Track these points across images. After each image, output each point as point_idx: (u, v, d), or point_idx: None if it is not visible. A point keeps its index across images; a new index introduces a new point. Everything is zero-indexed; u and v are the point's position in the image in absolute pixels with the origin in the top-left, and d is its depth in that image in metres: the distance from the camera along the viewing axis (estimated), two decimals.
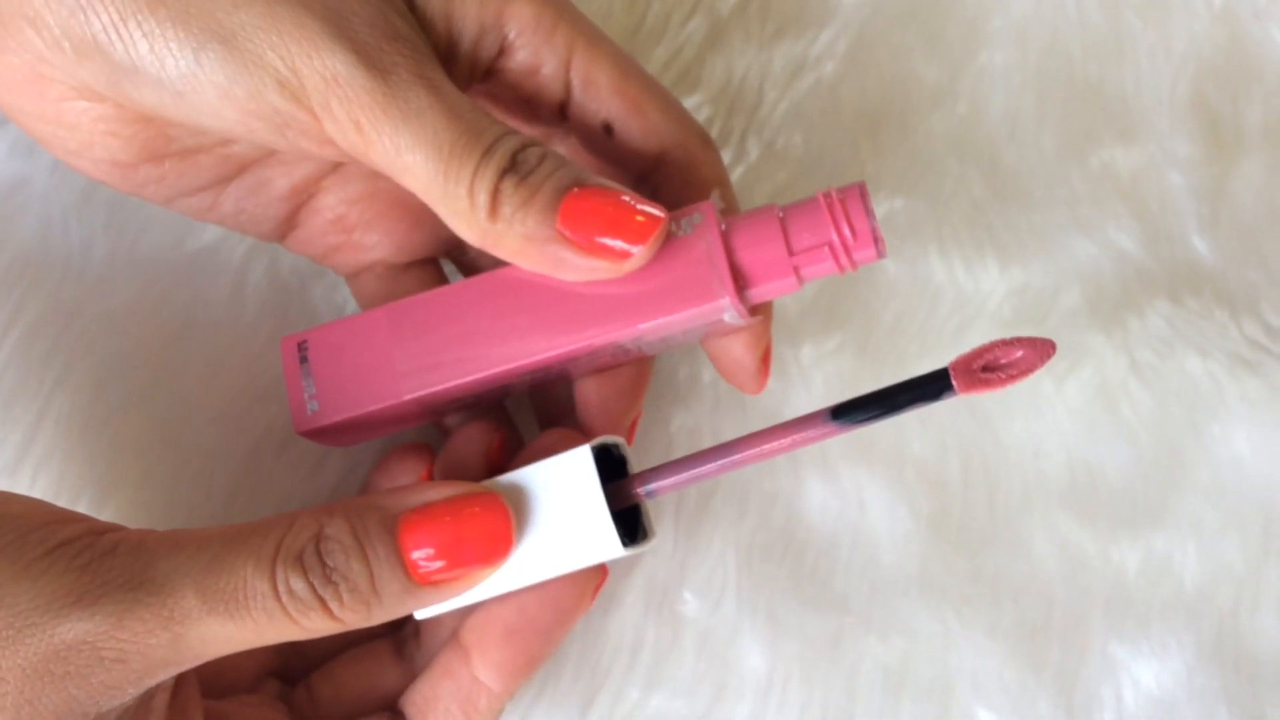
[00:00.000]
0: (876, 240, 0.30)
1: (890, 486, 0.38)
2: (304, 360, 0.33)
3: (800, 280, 0.30)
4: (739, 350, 0.32)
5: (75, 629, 0.25)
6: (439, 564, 0.27)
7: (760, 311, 0.31)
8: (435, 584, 0.28)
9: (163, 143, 0.31)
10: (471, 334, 0.31)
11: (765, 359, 0.33)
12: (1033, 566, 0.37)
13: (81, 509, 0.35)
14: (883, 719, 0.36)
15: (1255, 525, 0.38)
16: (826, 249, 0.29)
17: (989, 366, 0.27)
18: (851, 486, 0.38)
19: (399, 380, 0.31)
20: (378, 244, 0.35)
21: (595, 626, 0.37)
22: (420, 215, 0.34)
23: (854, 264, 0.30)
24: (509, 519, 0.28)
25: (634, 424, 0.35)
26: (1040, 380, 0.38)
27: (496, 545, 0.28)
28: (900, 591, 0.37)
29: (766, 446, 0.29)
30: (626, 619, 0.37)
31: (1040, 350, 0.27)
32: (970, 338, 0.39)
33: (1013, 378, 0.27)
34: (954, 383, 0.27)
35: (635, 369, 0.33)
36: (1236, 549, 0.37)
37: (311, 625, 0.27)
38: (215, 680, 0.31)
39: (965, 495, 0.38)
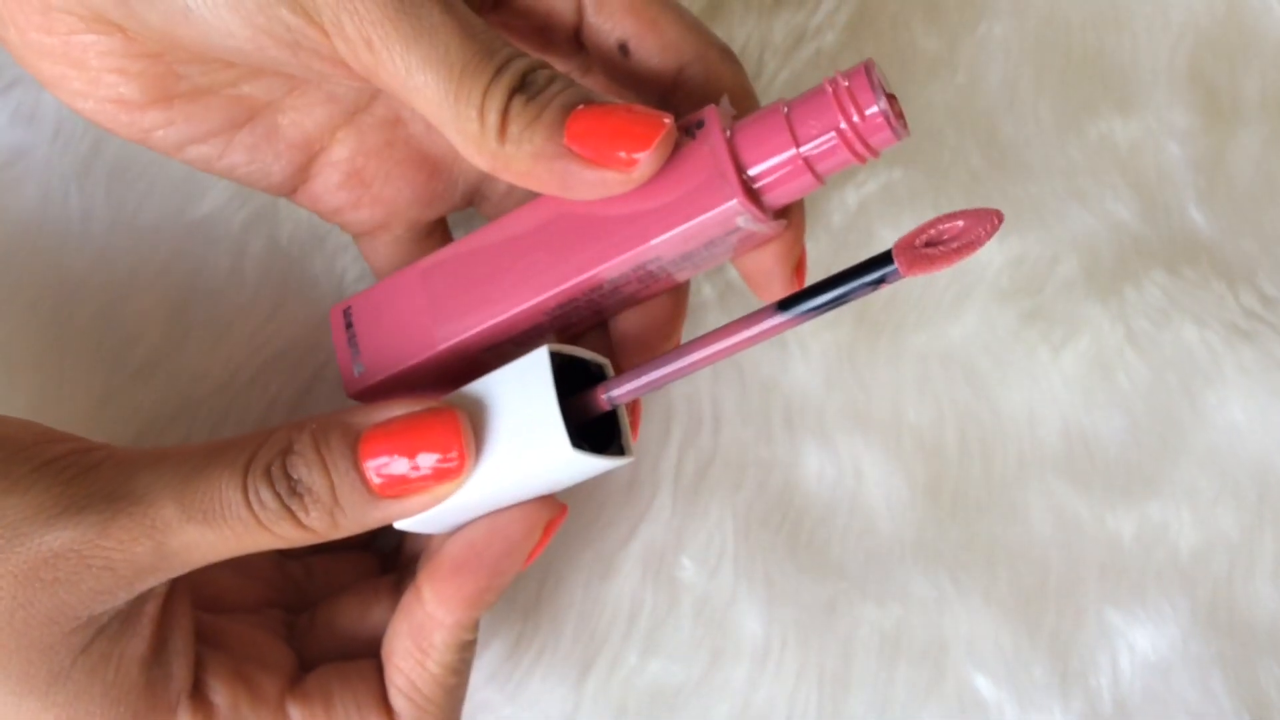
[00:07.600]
0: (890, 120, 0.27)
1: (887, 455, 0.38)
2: (349, 325, 0.33)
3: (817, 176, 0.29)
4: (769, 262, 0.31)
5: (61, 537, 0.26)
6: (397, 477, 0.28)
7: (786, 216, 0.30)
8: (394, 496, 0.28)
9: (171, 81, 0.30)
10: (496, 274, 0.31)
11: (799, 270, 0.32)
12: (1028, 534, 0.37)
13: None
14: (878, 683, 0.36)
15: (1250, 493, 0.38)
16: (836, 136, 0.28)
17: (932, 242, 0.25)
18: (848, 455, 0.38)
19: (434, 332, 0.32)
20: (394, 198, 0.34)
21: (594, 592, 0.37)
22: (436, 168, 0.34)
23: (871, 149, 0.28)
24: (462, 433, 0.29)
25: None
26: (1037, 349, 0.39)
27: (450, 458, 0.29)
28: (896, 558, 0.37)
29: (720, 345, 0.28)
30: (625, 585, 0.37)
31: (982, 220, 0.24)
32: (968, 307, 0.39)
33: (957, 252, 0.25)
34: (896, 262, 0.25)
35: (671, 299, 0.33)
36: (1231, 516, 0.38)
37: (284, 534, 0.28)
38: (216, 604, 0.32)
39: (961, 463, 0.38)
